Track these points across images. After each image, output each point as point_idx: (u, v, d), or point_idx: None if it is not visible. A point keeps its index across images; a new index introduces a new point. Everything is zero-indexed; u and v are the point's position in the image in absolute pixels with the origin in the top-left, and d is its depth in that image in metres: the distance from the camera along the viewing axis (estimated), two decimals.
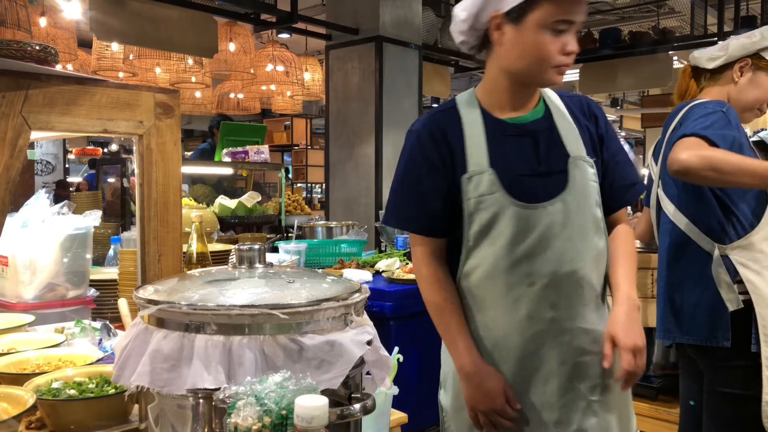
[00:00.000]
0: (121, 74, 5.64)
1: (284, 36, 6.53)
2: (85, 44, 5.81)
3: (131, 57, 5.28)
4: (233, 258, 1.05)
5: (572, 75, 7.94)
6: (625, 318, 1.34)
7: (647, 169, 2.26)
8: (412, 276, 2.78)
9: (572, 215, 1.39)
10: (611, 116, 12.82)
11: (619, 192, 1.50)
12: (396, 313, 2.63)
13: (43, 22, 4.93)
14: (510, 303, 1.39)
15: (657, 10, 7.13)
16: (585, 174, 1.41)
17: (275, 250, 3.09)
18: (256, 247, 1.02)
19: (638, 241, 2.38)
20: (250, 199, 4.55)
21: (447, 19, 6.69)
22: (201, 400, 0.87)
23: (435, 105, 12.96)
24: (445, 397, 1.53)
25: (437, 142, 1.43)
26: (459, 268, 1.44)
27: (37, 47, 1.29)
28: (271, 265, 1.04)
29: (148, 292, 0.97)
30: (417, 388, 2.61)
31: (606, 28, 7.12)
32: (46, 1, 5.00)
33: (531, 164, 1.41)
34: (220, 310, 0.87)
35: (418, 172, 1.45)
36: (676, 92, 2.17)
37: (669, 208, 1.98)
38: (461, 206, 1.41)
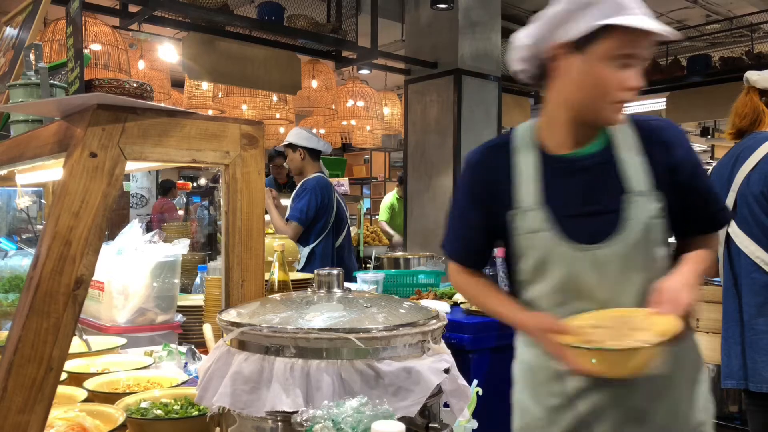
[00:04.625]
0: (210, 111, 5.93)
1: (365, 72, 6.69)
2: (177, 84, 6.16)
3: (220, 95, 5.55)
4: (313, 284, 1.06)
5: (659, 103, 7.70)
6: (676, 280, 1.28)
7: None
8: None
9: (626, 258, 1.33)
10: (701, 146, 12.27)
11: (698, 220, 1.43)
12: (475, 345, 2.58)
13: (141, 64, 5.28)
14: None
15: (751, 35, 6.83)
16: (644, 212, 1.33)
17: (353, 279, 3.12)
18: (335, 272, 1.04)
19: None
20: None
21: None
22: (279, 423, 0.88)
23: None
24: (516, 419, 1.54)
25: (484, 175, 1.45)
26: (519, 297, 1.46)
27: (134, 84, 1.38)
28: (349, 290, 1.05)
29: (231, 315, 0.99)
30: (497, 424, 2.53)
31: (695, 54, 6.87)
32: (144, 46, 5.36)
33: (582, 203, 1.36)
34: (299, 333, 0.89)
35: (463, 205, 1.51)
36: (744, 118, 2.10)
37: (750, 247, 1.89)
38: (510, 242, 1.42)
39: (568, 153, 1.40)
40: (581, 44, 1.30)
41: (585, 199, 1.36)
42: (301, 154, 3.98)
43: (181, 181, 11.63)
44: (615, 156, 1.38)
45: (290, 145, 4.01)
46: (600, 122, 1.37)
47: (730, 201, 2.02)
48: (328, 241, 3.95)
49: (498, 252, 3.10)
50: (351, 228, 5.86)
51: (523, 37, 1.38)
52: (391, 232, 6.62)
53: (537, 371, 1.46)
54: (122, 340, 1.80)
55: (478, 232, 1.49)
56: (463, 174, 1.50)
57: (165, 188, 8.50)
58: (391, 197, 7.41)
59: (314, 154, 4.03)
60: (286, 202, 4.24)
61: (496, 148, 1.47)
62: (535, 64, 1.41)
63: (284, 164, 5.62)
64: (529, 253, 1.39)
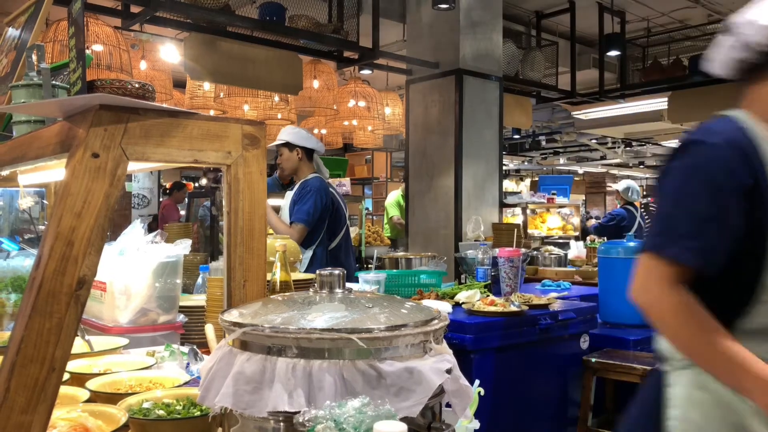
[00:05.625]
0: (212, 112, 5.94)
1: (366, 72, 6.70)
2: (179, 85, 6.17)
3: (221, 95, 5.56)
4: (315, 284, 1.07)
5: (661, 103, 7.69)
6: None
7: None
8: (492, 308, 2.72)
9: None
10: None
11: None
12: (476, 345, 2.58)
13: (143, 65, 5.29)
14: None
15: None
16: None
17: (355, 280, 3.12)
18: (337, 272, 1.04)
19: None
20: None
21: (528, 50, 6.65)
22: (282, 423, 0.88)
23: (516, 136, 12.82)
24: None
25: (749, 164, 1.23)
26: (735, 322, 1.25)
27: (136, 85, 1.38)
28: (350, 290, 1.05)
29: (233, 315, 1.00)
30: (498, 424, 2.53)
31: (696, 54, 6.87)
32: (146, 47, 5.37)
33: None
34: (301, 334, 0.89)
35: (722, 195, 1.22)
36: None
37: None
38: (757, 247, 1.22)
39: None
40: None
41: None
42: (298, 154, 3.89)
43: (183, 181, 11.62)
44: None
45: (287, 144, 3.88)
46: None
47: None
48: (329, 242, 3.94)
49: (500, 252, 3.10)
50: (352, 228, 5.88)
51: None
52: (401, 221, 6.62)
53: None
54: (124, 341, 1.80)
55: (737, 230, 1.23)
56: (719, 157, 1.24)
57: (170, 190, 8.52)
58: (396, 195, 7.42)
59: (310, 153, 3.97)
60: (275, 202, 4.22)
61: (742, 143, 1.26)
62: (761, 55, 1.31)
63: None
64: None
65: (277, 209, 3.99)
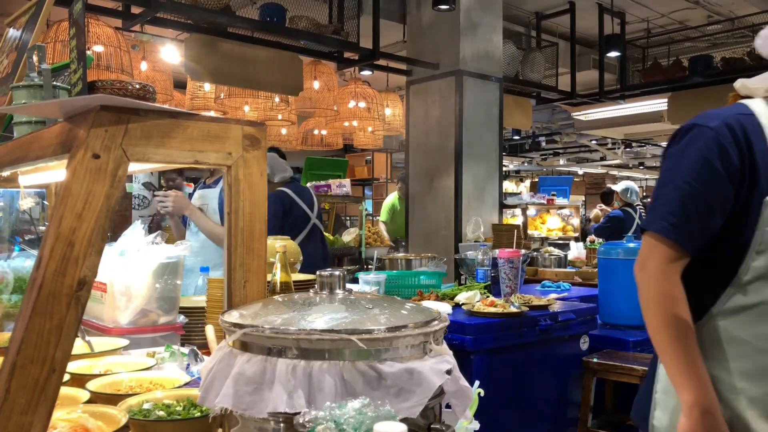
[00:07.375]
0: (212, 113, 5.94)
1: (366, 73, 6.70)
2: (180, 85, 6.17)
3: (222, 96, 5.56)
4: (315, 285, 1.07)
5: (661, 104, 7.69)
6: None
7: None
8: (492, 309, 2.72)
9: None
10: None
11: None
12: (476, 346, 2.58)
13: (143, 66, 5.29)
14: None
15: (752, 35, 6.82)
16: None
17: (355, 281, 3.12)
18: (337, 273, 1.04)
19: None
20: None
21: (528, 51, 6.65)
22: (282, 424, 0.88)
23: (516, 137, 12.82)
24: (662, 418, 1.38)
25: (740, 148, 1.28)
26: (716, 303, 1.32)
27: (137, 86, 1.38)
28: (350, 291, 1.05)
29: (233, 316, 1.00)
30: (498, 425, 2.53)
31: (696, 55, 6.87)
32: (147, 47, 5.37)
33: None
34: (301, 335, 0.89)
35: (709, 179, 1.28)
36: None
37: None
38: (742, 229, 1.28)
39: None
40: None
41: None
42: None
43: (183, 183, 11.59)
44: None
45: None
46: None
47: None
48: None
49: (500, 253, 3.10)
50: (352, 229, 5.87)
51: None
52: (386, 236, 6.63)
53: None
54: (124, 342, 1.80)
55: (719, 218, 1.30)
56: (712, 142, 1.29)
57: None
58: (392, 197, 7.42)
59: None
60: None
61: (747, 117, 1.32)
62: None
63: None
64: None
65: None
